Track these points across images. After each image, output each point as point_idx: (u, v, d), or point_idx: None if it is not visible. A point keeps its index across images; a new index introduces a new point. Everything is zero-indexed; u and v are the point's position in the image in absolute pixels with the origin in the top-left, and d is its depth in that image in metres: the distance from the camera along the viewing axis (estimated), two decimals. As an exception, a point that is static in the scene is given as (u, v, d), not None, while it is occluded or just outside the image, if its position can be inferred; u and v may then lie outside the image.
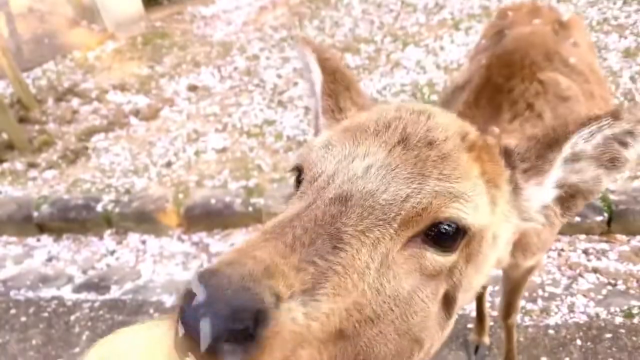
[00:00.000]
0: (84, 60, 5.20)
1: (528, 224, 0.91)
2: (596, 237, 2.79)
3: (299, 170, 0.83)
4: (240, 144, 3.78)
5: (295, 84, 4.31)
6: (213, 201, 3.32)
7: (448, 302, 0.80)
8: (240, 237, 3.23)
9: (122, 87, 4.67)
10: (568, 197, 0.90)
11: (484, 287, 2.24)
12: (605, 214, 2.76)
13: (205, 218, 3.31)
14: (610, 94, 2.04)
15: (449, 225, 0.73)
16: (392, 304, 0.71)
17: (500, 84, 1.52)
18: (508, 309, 1.96)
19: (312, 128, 1.12)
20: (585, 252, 2.74)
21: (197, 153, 3.78)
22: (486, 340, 2.33)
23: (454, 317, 0.83)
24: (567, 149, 0.85)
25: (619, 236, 2.77)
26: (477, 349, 2.32)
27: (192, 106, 4.31)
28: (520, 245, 1.34)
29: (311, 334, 0.62)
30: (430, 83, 3.98)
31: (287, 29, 5.18)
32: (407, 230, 0.72)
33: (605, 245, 2.75)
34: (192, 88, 4.53)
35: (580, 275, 2.62)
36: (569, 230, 2.80)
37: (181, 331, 0.56)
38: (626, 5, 4.32)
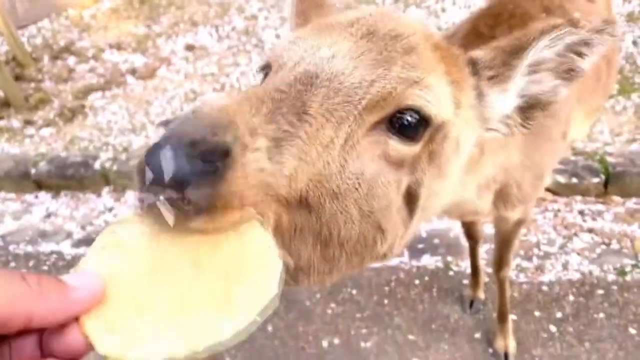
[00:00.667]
0: (80, 19, 5.11)
1: (490, 133, 0.95)
2: (592, 199, 2.81)
3: (268, 68, 0.82)
4: (239, 103, 3.75)
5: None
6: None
7: (410, 198, 0.81)
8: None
9: (119, 46, 4.60)
10: (528, 107, 0.94)
11: (476, 242, 2.27)
12: (602, 176, 2.77)
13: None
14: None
15: (411, 116, 0.75)
16: (355, 182, 0.72)
17: (484, 32, 1.47)
18: (499, 262, 1.99)
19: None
20: (581, 213, 2.76)
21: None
22: (481, 295, 2.37)
23: (416, 219, 0.84)
24: (529, 56, 0.87)
25: (615, 198, 2.79)
26: (472, 303, 2.36)
27: (189, 66, 4.26)
28: (501, 196, 1.35)
29: (276, 189, 0.62)
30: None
31: (287, -11, 5.08)
32: (372, 115, 0.73)
33: (601, 207, 2.77)
34: (190, 48, 4.47)
35: (575, 234, 2.65)
36: (565, 191, 2.83)
37: (148, 177, 0.53)
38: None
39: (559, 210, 2.79)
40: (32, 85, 4.22)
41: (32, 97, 4.07)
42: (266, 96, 0.66)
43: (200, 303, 0.53)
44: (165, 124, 0.56)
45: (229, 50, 4.36)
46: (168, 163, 0.51)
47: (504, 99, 0.91)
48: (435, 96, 0.77)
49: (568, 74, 0.89)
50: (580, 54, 0.87)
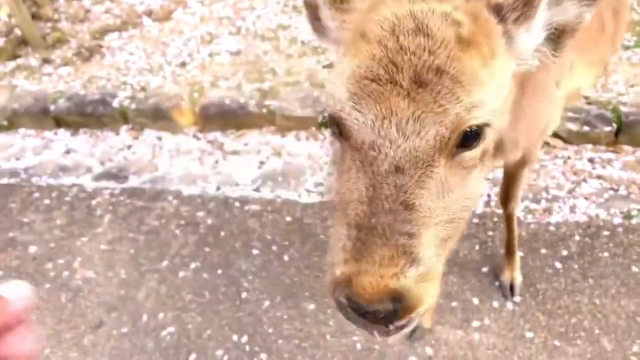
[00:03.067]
0: (94, -40, 5.05)
1: (524, 66, 1.02)
2: (603, 147, 2.86)
3: (335, 121, 0.93)
4: (255, 47, 3.77)
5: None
6: (227, 101, 3.37)
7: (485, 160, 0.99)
8: (254, 137, 3.30)
9: (134, -12, 4.57)
10: (556, 37, 0.99)
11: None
12: (614, 125, 2.82)
13: (220, 117, 3.37)
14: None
15: (472, 131, 0.88)
16: (460, 204, 0.91)
17: None
18: (506, 197, 2.06)
19: (321, 36, 1.09)
20: (591, 160, 2.82)
21: (211, 55, 3.78)
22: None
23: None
24: None
25: (625, 147, 2.84)
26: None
27: (205, 9, 4.25)
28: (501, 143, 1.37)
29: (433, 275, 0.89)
30: None
31: None
32: (445, 152, 0.87)
33: (611, 155, 2.83)
34: (206, -9, 4.44)
35: (584, 180, 2.72)
36: (576, 139, 2.88)
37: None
38: None
39: (568, 158, 2.85)
40: (49, 24, 4.23)
41: (49, 36, 4.09)
42: (379, 213, 0.85)
43: None
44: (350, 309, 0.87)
45: (244, -6, 4.34)
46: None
47: (532, 35, 0.97)
48: (488, 107, 0.87)
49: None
50: None
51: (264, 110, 3.32)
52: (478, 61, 0.87)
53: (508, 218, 2.18)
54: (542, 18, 0.95)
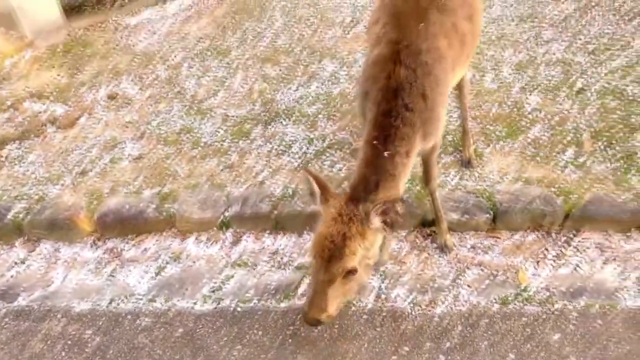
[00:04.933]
0: (1, 68, 5.08)
1: (379, 232, 2.17)
2: (483, 234, 3.05)
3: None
4: (157, 151, 3.84)
5: (215, 93, 4.41)
6: (126, 207, 3.36)
7: None
8: (153, 243, 3.29)
9: (40, 96, 4.60)
10: (387, 223, 2.13)
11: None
12: (491, 212, 3.03)
13: (119, 224, 3.35)
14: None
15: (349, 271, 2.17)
16: (346, 293, 2.27)
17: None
18: (427, 177, 2.76)
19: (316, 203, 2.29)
20: (473, 247, 2.99)
21: (112, 161, 3.80)
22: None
23: None
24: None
25: (503, 232, 3.05)
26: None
27: (110, 114, 4.32)
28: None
29: None
30: (343, 93, 4.19)
31: (211, 39, 5.27)
32: (339, 277, 2.16)
33: (490, 241, 3.01)
34: (112, 96, 4.53)
35: (467, 268, 2.87)
36: (459, 227, 3.06)
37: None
38: (522, 23, 4.71)
39: (453, 245, 3.00)
40: (-54, 136, 4.14)
41: (-56, 149, 3.99)
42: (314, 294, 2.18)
43: None
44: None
45: (151, 99, 4.46)
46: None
47: (375, 221, 2.12)
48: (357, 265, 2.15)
49: (397, 215, 2.10)
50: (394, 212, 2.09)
51: (164, 214, 3.33)
52: (354, 245, 2.10)
53: (432, 193, 2.85)
54: (377, 219, 2.10)
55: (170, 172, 3.64)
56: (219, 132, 3.96)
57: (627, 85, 3.77)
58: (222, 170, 3.59)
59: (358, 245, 2.09)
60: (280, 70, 4.62)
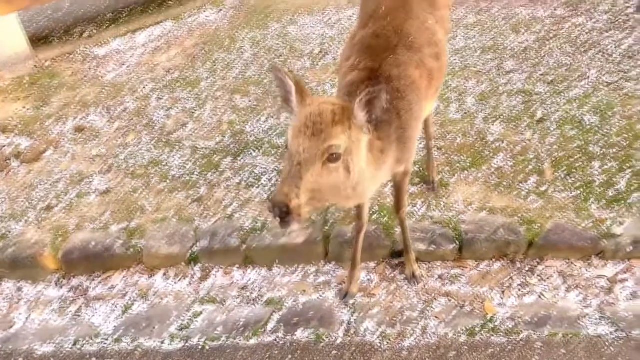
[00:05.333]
0: (-36, 100, 4.99)
1: (364, 131, 2.00)
2: (450, 263, 3.10)
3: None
4: (125, 185, 3.80)
5: (184, 124, 4.41)
6: (93, 244, 3.31)
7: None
8: (120, 279, 3.23)
9: (4, 129, 4.53)
10: (369, 118, 1.98)
11: (362, 226, 2.86)
12: (457, 242, 3.08)
13: (85, 262, 3.29)
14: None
15: (333, 154, 1.90)
16: (324, 185, 1.95)
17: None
18: (398, 204, 2.83)
19: (284, 111, 2.40)
20: (441, 277, 3.03)
21: (79, 195, 3.75)
22: (355, 289, 2.98)
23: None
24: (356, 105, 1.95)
25: (469, 262, 3.10)
26: (346, 295, 2.95)
27: (77, 147, 4.27)
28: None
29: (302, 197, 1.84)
30: (312, 124, 4.24)
31: (180, 70, 5.28)
32: (321, 159, 1.87)
33: (457, 270, 3.06)
34: (79, 129, 4.49)
35: (434, 299, 2.90)
36: (426, 257, 3.10)
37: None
38: (484, 54, 4.87)
39: (422, 275, 3.04)
40: None
41: None
42: (287, 176, 1.85)
43: None
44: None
45: (119, 131, 4.43)
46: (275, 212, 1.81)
47: (361, 117, 1.96)
48: (341, 148, 1.90)
49: (381, 110, 1.94)
50: (380, 107, 1.93)
51: (131, 250, 3.29)
52: (339, 129, 1.89)
53: (401, 221, 2.90)
54: (362, 114, 1.96)
55: (137, 206, 3.60)
56: (187, 164, 3.95)
57: (585, 115, 3.92)
58: (190, 203, 3.58)
59: (345, 130, 1.89)
60: (249, 101, 4.65)
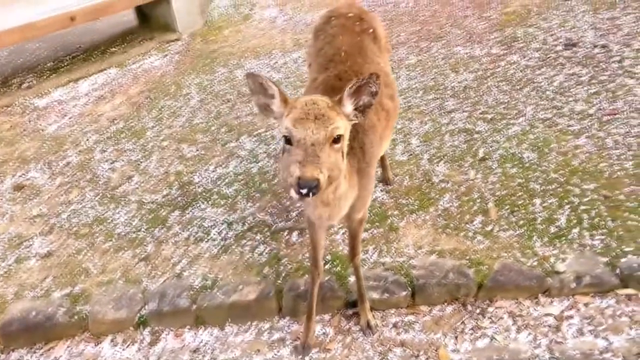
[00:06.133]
0: None
1: (352, 121, 2.16)
2: (404, 310, 3.11)
3: (286, 137, 2.01)
4: (68, 246, 3.66)
5: (130, 177, 4.31)
6: (33, 314, 3.14)
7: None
8: (64, 350, 3.07)
9: None
10: (358, 109, 2.15)
11: (318, 276, 2.88)
12: (409, 288, 3.10)
13: (25, 333, 3.12)
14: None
15: (337, 136, 2.02)
16: (334, 162, 2.02)
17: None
18: (353, 251, 2.87)
19: (268, 116, 2.21)
20: (395, 325, 3.03)
21: (18, 261, 3.57)
22: (311, 342, 2.94)
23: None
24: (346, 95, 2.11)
25: (422, 307, 3.12)
26: (303, 348, 2.91)
27: (16, 207, 4.09)
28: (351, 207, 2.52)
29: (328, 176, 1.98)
30: (262, 171, 4.23)
31: (125, 120, 5.19)
32: (329, 141, 1.98)
33: (412, 317, 3.07)
34: (18, 187, 4.31)
35: (389, 350, 2.89)
36: (380, 306, 3.10)
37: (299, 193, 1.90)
38: (426, 94, 5.02)
39: (377, 325, 3.03)
40: None
41: None
42: (306, 156, 1.93)
43: None
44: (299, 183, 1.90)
45: (61, 188, 4.28)
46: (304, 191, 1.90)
47: (348, 108, 2.13)
48: (340, 129, 2.03)
49: (370, 96, 2.10)
50: (368, 93, 2.10)
51: (75, 318, 3.14)
52: (335, 113, 2.02)
53: (356, 268, 2.91)
54: (350, 103, 2.12)
55: (82, 269, 3.47)
56: (133, 220, 3.85)
57: (524, 152, 4.08)
58: (137, 263, 3.47)
59: (340, 114, 2.06)
60: (197, 150, 4.61)
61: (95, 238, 3.71)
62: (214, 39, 7.04)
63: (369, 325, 2.99)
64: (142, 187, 4.20)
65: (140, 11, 7.38)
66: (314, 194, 1.89)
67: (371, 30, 3.08)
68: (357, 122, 2.19)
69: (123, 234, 3.72)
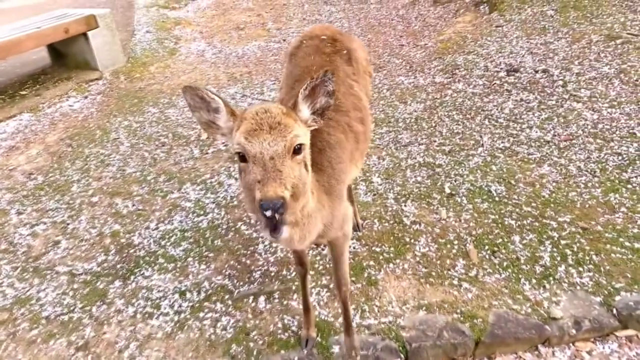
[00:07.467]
0: None
1: (311, 127, 1.98)
2: (399, 379, 2.75)
3: (240, 154, 1.80)
4: (-19, 340, 2.98)
5: (56, 244, 3.67)
6: None
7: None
8: None
9: None
10: (316, 112, 1.97)
11: (306, 271, 2.72)
12: (402, 354, 2.75)
13: None
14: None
15: (298, 145, 1.81)
16: (298, 176, 1.81)
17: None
18: (338, 282, 2.59)
19: (215, 134, 1.97)
20: (391, 399, 2.66)
21: None
22: (313, 333, 2.78)
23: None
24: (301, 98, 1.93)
25: (418, 373, 2.77)
26: (307, 342, 2.74)
27: None
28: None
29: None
30: (212, 225, 3.75)
31: (44, 173, 4.52)
32: (289, 153, 1.77)
33: (408, 387, 2.71)
34: None
35: None
36: (372, 377, 2.72)
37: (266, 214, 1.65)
38: (378, 127, 4.79)
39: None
40: None
41: None
42: (266, 173, 1.71)
43: None
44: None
45: (-33, 264, 3.56)
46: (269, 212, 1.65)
47: (304, 112, 1.95)
48: (300, 138, 1.82)
49: (327, 96, 1.94)
50: (325, 93, 1.94)
51: None
52: (292, 120, 1.84)
53: (343, 300, 2.64)
54: (306, 107, 1.95)
55: (2, 368, 2.81)
56: (64, 298, 3.23)
57: (490, 185, 3.91)
58: (74, 354, 2.86)
59: (297, 122, 1.87)
60: (134, 204, 4.05)
61: (17, 326, 3.05)
62: (140, 76, 6.49)
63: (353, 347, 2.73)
64: (71, 254, 3.57)
65: (54, 49, 6.67)
66: (281, 214, 1.66)
67: (345, 52, 2.87)
68: (316, 127, 2.00)
69: (53, 316, 3.09)
